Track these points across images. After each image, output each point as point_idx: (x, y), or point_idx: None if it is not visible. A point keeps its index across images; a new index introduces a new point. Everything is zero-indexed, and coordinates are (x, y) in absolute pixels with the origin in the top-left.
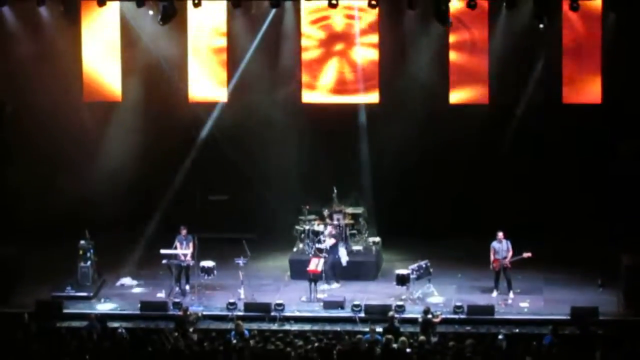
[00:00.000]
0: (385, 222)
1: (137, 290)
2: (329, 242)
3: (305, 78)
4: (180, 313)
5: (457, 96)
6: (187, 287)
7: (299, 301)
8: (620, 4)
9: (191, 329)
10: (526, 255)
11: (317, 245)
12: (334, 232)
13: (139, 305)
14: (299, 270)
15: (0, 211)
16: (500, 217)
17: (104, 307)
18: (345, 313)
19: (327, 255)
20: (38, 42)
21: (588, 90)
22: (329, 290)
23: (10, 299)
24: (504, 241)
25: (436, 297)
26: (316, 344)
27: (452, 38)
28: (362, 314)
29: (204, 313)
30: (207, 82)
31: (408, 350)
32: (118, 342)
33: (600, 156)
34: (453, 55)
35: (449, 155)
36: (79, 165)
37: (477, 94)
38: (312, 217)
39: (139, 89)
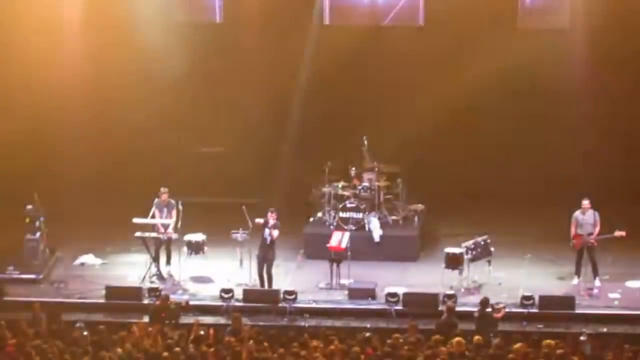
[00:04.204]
0: (432, 184)
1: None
2: (273, 233)
3: None
4: (159, 302)
5: (528, 18)
6: (168, 268)
7: (316, 288)
8: None
9: (172, 324)
10: (619, 234)
11: (342, 215)
12: (271, 220)
13: (104, 292)
14: (316, 247)
15: None
16: (585, 180)
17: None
18: (378, 304)
19: (353, 228)
20: None
21: None
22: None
23: None
24: (590, 212)
25: (497, 274)
26: (339, 345)
27: None
28: (400, 306)
29: (190, 303)
30: None
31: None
32: (75, 341)
33: None
34: None
35: (516, 93)
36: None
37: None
38: (335, 177)
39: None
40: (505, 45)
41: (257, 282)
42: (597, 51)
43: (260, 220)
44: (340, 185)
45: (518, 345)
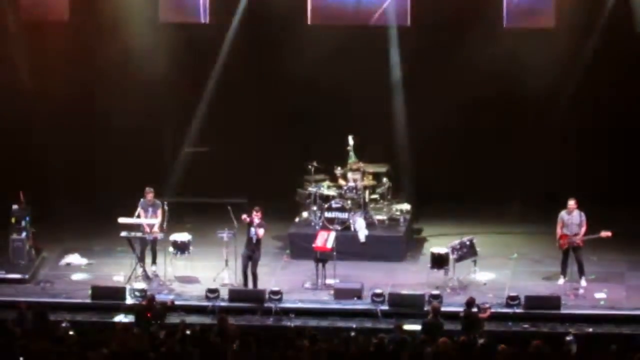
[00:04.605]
0: (418, 184)
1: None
2: (259, 232)
3: None
4: (144, 302)
5: (514, 18)
6: (154, 268)
7: (302, 288)
8: None
9: (158, 324)
10: (604, 234)
11: (327, 215)
12: (257, 219)
13: (90, 291)
14: (302, 247)
15: None
16: (571, 180)
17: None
18: (364, 305)
19: (338, 228)
20: None
21: None
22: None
23: None
24: (576, 212)
25: (483, 274)
26: (325, 346)
27: None
28: (386, 307)
29: (176, 303)
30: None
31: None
32: (61, 341)
33: None
34: None
35: (503, 92)
36: (9, 104)
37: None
38: (321, 176)
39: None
40: (491, 45)
41: (242, 280)
42: (582, 51)
43: (246, 217)
44: (325, 185)
45: (502, 346)
